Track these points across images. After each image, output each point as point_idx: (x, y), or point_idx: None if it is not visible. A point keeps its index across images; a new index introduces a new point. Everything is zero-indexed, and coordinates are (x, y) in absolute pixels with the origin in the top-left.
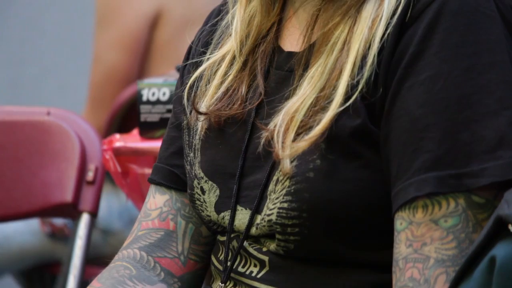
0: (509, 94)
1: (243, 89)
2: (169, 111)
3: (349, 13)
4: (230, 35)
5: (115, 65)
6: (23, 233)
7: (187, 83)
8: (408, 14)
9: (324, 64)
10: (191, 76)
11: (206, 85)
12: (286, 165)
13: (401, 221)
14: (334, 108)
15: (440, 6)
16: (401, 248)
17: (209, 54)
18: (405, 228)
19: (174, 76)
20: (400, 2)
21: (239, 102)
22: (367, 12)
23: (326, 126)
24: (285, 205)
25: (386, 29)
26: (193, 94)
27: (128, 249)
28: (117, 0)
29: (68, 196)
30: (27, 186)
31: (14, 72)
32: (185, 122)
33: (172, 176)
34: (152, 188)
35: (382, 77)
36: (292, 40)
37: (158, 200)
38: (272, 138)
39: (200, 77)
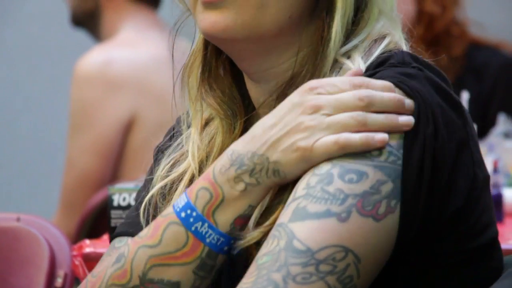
0: None
1: None
2: None
3: None
4: (186, 155)
5: (88, 170)
6: None
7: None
8: None
9: None
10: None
11: (166, 203)
12: None
13: None
14: None
15: None
16: None
17: (164, 172)
18: None
19: None
20: None
21: None
22: None
23: None
24: None
25: None
26: (152, 210)
27: None
28: (92, 105)
29: None
30: None
31: None
32: None
33: None
34: None
35: None
36: None
37: None
38: None
39: (154, 195)
